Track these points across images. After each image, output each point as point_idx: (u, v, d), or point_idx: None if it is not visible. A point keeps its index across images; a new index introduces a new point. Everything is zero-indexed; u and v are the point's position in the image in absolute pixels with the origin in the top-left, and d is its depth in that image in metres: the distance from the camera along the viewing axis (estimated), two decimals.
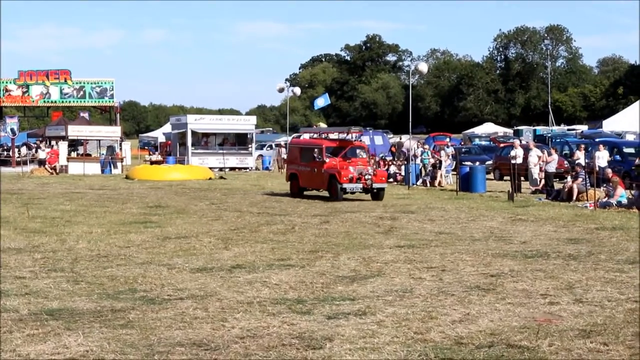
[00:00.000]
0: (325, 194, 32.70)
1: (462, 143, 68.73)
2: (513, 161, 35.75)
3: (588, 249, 17.72)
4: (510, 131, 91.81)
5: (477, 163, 43.08)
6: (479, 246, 18.37)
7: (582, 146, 37.54)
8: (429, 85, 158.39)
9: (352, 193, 31.90)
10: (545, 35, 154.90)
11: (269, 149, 71.78)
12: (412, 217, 25.26)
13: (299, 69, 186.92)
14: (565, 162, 39.79)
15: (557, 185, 33.76)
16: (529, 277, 14.23)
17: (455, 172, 39.88)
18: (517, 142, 42.13)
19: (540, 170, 35.26)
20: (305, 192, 33.94)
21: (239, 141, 60.83)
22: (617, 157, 38.28)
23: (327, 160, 32.20)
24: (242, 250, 17.84)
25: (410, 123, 45.69)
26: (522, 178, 36.28)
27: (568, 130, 80.00)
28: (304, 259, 16.47)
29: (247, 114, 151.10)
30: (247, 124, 62.39)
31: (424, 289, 13.19)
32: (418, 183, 41.19)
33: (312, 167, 32.88)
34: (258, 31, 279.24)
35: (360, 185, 31.41)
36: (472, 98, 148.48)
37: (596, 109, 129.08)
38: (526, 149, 37.74)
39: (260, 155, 65.27)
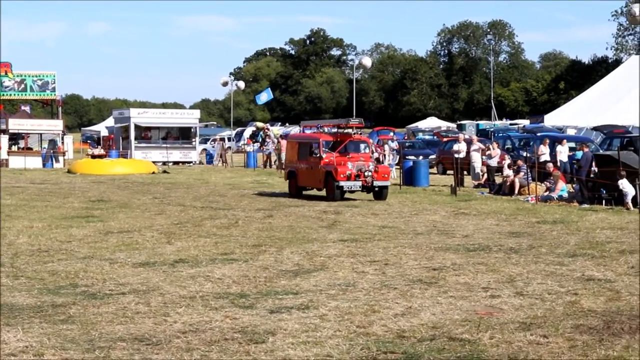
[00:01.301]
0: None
1: (406, 137, 69.03)
2: (456, 155, 35.99)
3: (529, 243, 17.89)
4: (453, 125, 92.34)
5: (421, 157, 43.25)
6: (422, 240, 18.47)
7: (547, 140, 37.86)
8: (373, 80, 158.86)
9: (351, 192, 29.28)
10: (488, 30, 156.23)
11: (213, 143, 71.57)
12: (355, 211, 25.31)
13: (244, 62, 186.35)
14: (507, 156, 40.10)
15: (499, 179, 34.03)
16: (470, 270, 14.33)
17: (398, 167, 40.04)
18: (461, 136, 42.41)
19: (483, 164, 35.53)
20: (304, 192, 31.09)
21: (183, 135, 60.56)
22: None
23: (325, 155, 29.45)
24: (185, 244, 17.76)
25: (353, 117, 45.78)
26: (465, 172, 36.53)
27: (510, 124, 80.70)
28: (247, 253, 16.45)
29: (191, 107, 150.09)
30: (190, 118, 62.16)
31: (367, 283, 13.23)
32: None
33: (309, 164, 30.08)
34: (202, 25, 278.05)
35: (360, 183, 28.52)
36: (415, 92, 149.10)
37: (538, 104, 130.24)
38: (469, 144, 38.00)
39: (204, 150, 65.04)
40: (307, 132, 32.98)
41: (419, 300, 11.88)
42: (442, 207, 26.44)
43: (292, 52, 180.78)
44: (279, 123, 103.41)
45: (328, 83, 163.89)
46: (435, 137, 65.25)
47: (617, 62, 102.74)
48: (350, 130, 30.48)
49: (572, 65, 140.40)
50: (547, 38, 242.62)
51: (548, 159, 33.37)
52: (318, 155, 29.60)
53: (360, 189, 28.85)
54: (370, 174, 28.60)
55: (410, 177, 35.98)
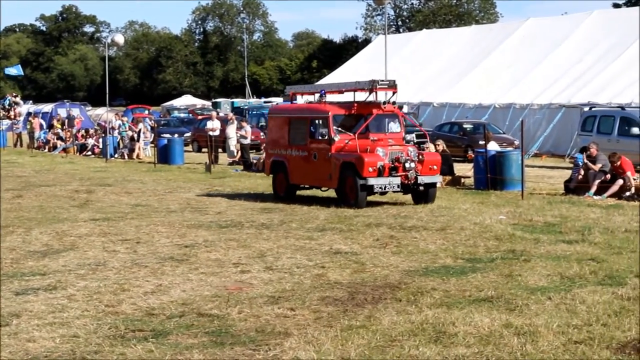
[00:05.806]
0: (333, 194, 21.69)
1: (162, 115, 68.65)
2: (210, 133, 36.06)
3: (280, 218, 18.21)
4: (208, 103, 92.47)
5: (176, 135, 43.17)
6: (175, 218, 18.47)
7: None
8: (128, 58, 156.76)
9: (383, 193, 20.70)
10: (242, 9, 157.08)
11: None
12: (108, 190, 24.99)
13: None
14: (262, 133, 40.60)
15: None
16: (222, 246, 14.47)
17: (153, 145, 39.82)
18: (214, 114, 42.59)
19: (237, 142, 35.78)
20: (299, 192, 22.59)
21: None
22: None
23: (337, 138, 20.84)
24: None
25: (107, 95, 45.12)
26: (221, 150, 36.70)
27: (265, 102, 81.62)
28: None
29: None
30: None
31: (118, 262, 13.14)
32: (116, 156, 40.82)
33: (310, 151, 21.25)
34: None
35: (398, 181, 19.80)
36: (171, 70, 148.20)
37: (292, 82, 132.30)
38: (225, 121, 38.18)
39: None
40: (301, 102, 23.61)
41: (170, 278, 11.90)
42: (196, 184, 26.49)
43: (44, 28, 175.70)
44: (30, 101, 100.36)
45: (81, 60, 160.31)
46: (190, 115, 65.14)
47: (367, 42, 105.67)
48: (373, 99, 21.07)
49: (324, 44, 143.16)
50: (299, 17, 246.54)
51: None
52: (326, 137, 20.67)
53: (398, 189, 20.31)
54: (413, 165, 20.02)
55: (165, 155, 35.83)
